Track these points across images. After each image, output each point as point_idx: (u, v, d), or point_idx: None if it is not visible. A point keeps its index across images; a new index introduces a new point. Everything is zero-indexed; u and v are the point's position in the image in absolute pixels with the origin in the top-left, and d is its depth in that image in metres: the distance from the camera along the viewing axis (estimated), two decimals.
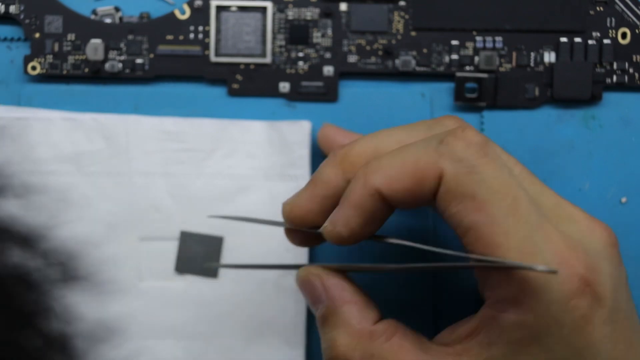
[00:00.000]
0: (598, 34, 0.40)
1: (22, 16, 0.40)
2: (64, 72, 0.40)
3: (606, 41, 0.40)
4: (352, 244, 0.32)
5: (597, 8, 0.40)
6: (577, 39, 0.40)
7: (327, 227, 0.32)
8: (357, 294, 0.32)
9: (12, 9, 0.40)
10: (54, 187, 0.39)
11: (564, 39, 0.40)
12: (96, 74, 0.40)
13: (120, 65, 0.40)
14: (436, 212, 0.32)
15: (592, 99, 0.40)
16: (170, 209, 0.39)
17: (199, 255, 0.39)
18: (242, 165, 0.39)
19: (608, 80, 0.40)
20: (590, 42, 0.40)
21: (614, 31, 0.40)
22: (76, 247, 0.38)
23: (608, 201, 0.40)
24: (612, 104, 0.40)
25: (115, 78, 0.40)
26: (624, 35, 0.40)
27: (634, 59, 0.40)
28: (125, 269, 0.39)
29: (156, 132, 0.39)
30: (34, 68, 0.40)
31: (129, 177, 0.39)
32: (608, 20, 0.40)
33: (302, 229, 0.34)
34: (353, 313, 0.31)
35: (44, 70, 0.40)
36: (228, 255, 0.39)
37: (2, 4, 0.40)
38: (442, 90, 0.40)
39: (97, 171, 0.39)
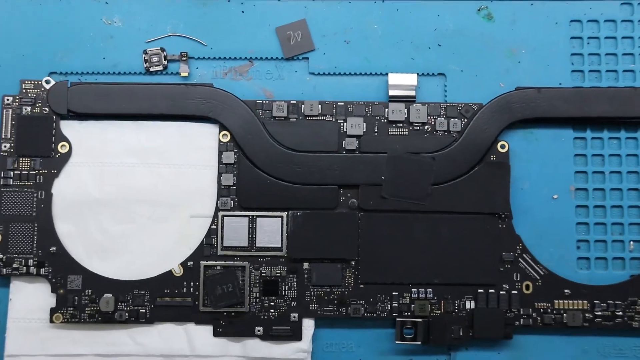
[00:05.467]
0: (507, 286, 0.51)
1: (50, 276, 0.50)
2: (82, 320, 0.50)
3: (514, 292, 0.50)
4: None
5: (506, 266, 0.51)
6: (491, 290, 0.50)
7: None
8: None
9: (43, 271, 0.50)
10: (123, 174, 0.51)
11: (481, 290, 0.50)
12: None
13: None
14: None
15: (505, 338, 0.50)
16: (214, 193, 0.51)
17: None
18: None
19: (517, 323, 0.50)
20: (501, 292, 0.50)
21: (519, 284, 0.51)
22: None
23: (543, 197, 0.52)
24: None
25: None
26: (527, 287, 0.51)
27: (536, 306, 0.50)
28: (180, 241, 0.51)
29: (203, 133, 0.52)
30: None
31: (181, 168, 0.51)
32: (514, 275, 0.51)
33: None
34: None
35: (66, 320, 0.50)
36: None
37: (34, 268, 0.50)
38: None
39: (157, 162, 0.51)
